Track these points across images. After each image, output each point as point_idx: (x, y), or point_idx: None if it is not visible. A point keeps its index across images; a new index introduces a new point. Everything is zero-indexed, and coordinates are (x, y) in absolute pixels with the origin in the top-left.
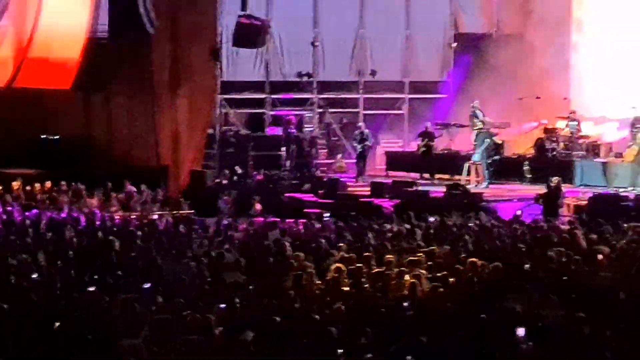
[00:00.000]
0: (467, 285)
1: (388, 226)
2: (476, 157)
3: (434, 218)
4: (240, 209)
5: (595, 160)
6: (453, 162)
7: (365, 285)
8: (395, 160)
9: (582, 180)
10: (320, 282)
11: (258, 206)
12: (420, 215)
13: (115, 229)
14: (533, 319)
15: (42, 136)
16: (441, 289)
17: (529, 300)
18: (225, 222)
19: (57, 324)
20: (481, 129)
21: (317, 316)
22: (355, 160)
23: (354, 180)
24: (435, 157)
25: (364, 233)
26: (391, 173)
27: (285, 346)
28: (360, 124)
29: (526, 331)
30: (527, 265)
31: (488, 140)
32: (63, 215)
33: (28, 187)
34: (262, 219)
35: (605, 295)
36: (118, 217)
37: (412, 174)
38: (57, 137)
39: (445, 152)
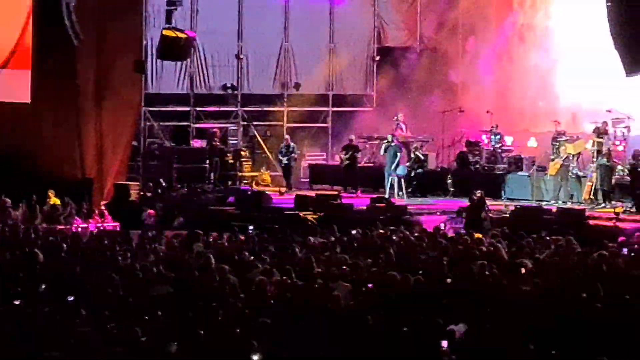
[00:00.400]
0: (390, 299)
1: (312, 239)
2: (400, 171)
3: (356, 231)
4: (164, 221)
5: (519, 174)
6: (377, 175)
7: (289, 296)
8: (319, 174)
9: (507, 194)
10: (243, 295)
11: (180, 219)
12: (344, 229)
13: (39, 241)
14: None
15: None
16: (364, 302)
17: (451, 313)
18: (149, 234)
19: None
20: (391, 142)
21: (238, 330)
22: (282, 174)
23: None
24: (359, 170)
25: (288, 246)
26: (315, 186)
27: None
28: (287, 136)
29: (449, 344)
30: (449, 280)
31: (399, 153)
32: None
33: None
34: (185, 231)
35: (526, 308)
36: (42, 229)
37: (336, 187)
38: None
39: (369, 165)
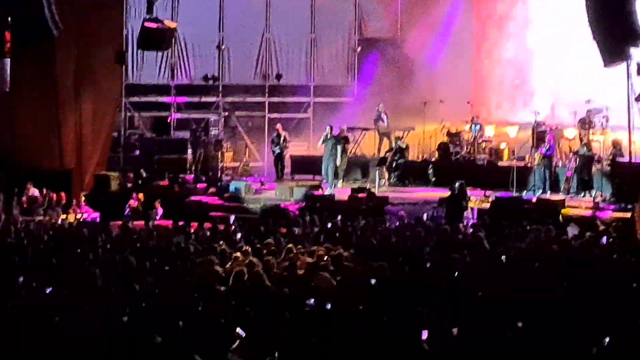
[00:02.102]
0: (371, 289)
1: (294, 229)
2: (381, 161)
3: (339, 221)
4: (144, 212)
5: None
6: (358, 165)
7: (269, 285)
8: (300, 164)
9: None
10: (226, 285)
11: (159, 210)
12: (325, 219)
13: (18, 233)
14: (438, 324)
15: None
16: (346, 292)
17: (434, 303)
18: (129, 225)
19: None
20: (329, 135)
21: (222, 320)
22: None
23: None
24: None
25: (269, 236)
26: (297, 176)
27: (193, 349)
28: (278, 125)
29: (429, 335)
30: (429, 267)
31: (339, 146)
32: None
33: None
34: (166, 222)
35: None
36: (21, 221)
37: (317, 177)
38: None
39: (351, 156)
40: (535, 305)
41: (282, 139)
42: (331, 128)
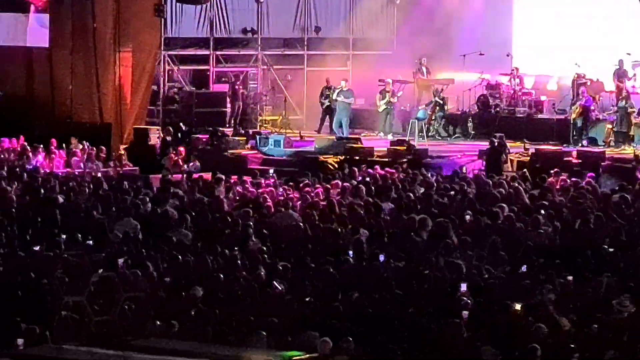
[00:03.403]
0: (410, 241)
1: (333, 182)
2: (420, 114)
3: (378, 173)
4: (183, 166)
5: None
6: (398, 118)
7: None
8: None
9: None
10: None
11: (197, 163)
12: (365, 171)
13: (58, 186)
14: (475, 275)
15: None
16: (384, 246)
17: (471, 256)
18: (169, 179)
19: None
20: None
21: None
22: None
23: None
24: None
25: (310, 189)
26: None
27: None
28: (327, 77)
29: (468, 287)
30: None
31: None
32: (4, 172)
33: None
34: (205, 175)
35: (546, 250)
36: (62, 174)
37: (357, 130)
38: (0, 93)
39: (390, 108)
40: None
41: (332, 90)
42: (346, 81)
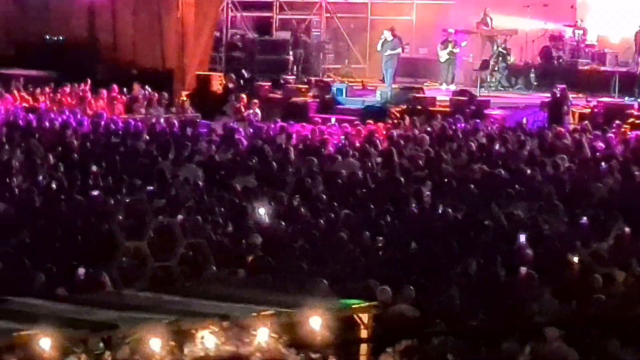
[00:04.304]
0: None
1: (395, 132)
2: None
3: (438, 123)
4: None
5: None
6: (460, 68)
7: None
8: (402, 67)
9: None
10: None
11: (259, 111)
12: (427, 121)
13: (119, 131)
14: (534, 226)
15: (46, 37)
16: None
17: (531, 207)
18: (231, 125)
19: (57, 227)
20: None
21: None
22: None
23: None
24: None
25: (371, 138)
26: (399, 79)
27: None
28: (390, 27)
29: (527, 237)
30: (529, 172)
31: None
32: (66, 117)
33: (31, 89)
34: (270, 123)
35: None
36: (122, 119)
37: (420, 80)
38: (62, 38)
39: (453, 58)
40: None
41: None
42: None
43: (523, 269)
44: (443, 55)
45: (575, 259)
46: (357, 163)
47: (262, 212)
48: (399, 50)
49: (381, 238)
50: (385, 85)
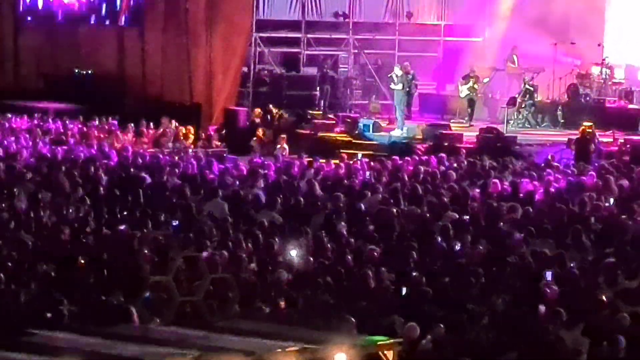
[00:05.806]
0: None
1: (422, 168)
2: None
3: (464, 161)
4: (272, 148)
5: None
6: (487, 106)
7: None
8: (428, 103)
9: None
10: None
11: (286, 146)
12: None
13: (146, 165)
14: (560, 263)
15: (75, 70)
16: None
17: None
18: (257, 160)
19: (84, 260)
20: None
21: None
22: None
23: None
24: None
25: (398, 174)
26: (424, 115)
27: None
28: (406, 64)
29: (553, 275)
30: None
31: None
32: (94, 151)
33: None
34: (294, 158)
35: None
36: (150, 153)
37: (446, 117)
38: (91, 72)
39: (480, 95)
40: None
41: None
42: (400, 67)
43: (545, 307)
44: (463, 91)
45: (604, 297)
46: (383, 198)
47: (294, 254)
48: (399, 87)
49: (406, 274)
50: (411, 121)
